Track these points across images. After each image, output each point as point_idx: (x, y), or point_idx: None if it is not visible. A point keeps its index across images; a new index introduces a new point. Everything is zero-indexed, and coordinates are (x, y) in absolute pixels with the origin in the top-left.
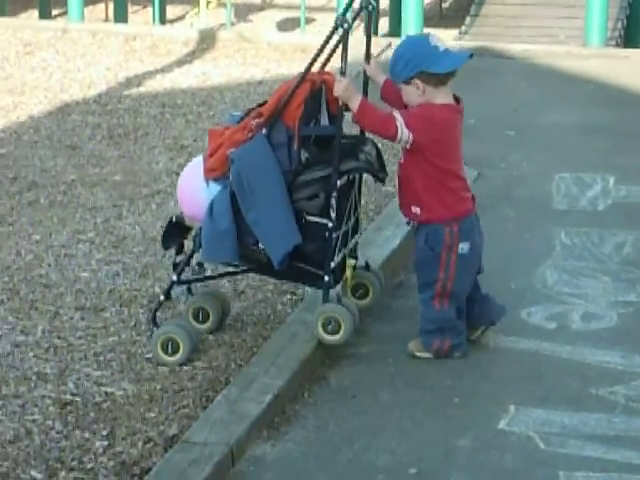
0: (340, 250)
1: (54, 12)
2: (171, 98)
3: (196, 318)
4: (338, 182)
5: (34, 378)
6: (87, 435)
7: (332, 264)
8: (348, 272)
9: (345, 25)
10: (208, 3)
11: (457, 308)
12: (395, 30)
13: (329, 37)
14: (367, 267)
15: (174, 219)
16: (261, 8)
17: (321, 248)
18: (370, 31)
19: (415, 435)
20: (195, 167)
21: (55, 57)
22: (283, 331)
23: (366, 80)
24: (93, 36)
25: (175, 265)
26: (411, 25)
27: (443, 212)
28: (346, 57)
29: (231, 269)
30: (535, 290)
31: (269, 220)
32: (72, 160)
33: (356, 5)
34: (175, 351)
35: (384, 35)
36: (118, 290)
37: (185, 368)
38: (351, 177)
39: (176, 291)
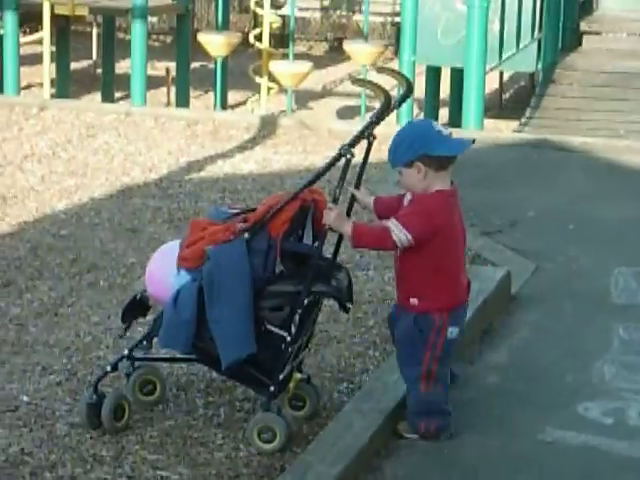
0: (291, 363)
1: (117, 95)
2: (231, 183)
3: (141, 390)
4: (305, 301)
5: (90, 460)
6: None
7: (281, 376)
8: (292, 385)
9: (348, 155)
10: (269, 89)
11: (444, 387)
12: (455, 120)
13: (331, 163)
14: (308, 380)
15: (138, 297)
16: (321, 95)
17: (273, 358)
18: (367, 159)
19: None
20: (169, 251)
21: (117, 140)
22: (339, 420)
23: (351, 203)
24: (155, 120)
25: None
26: (472, 116)
27: (439, 301)
28: (342, 185)
29: (182, 355)
30: (592, 385)
31: (229, 323)
32: (132, 243)
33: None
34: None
35: (443, 125)
36: (175, 374)
37: (241, 454)
38: (317, 297)
39: (123, 364)
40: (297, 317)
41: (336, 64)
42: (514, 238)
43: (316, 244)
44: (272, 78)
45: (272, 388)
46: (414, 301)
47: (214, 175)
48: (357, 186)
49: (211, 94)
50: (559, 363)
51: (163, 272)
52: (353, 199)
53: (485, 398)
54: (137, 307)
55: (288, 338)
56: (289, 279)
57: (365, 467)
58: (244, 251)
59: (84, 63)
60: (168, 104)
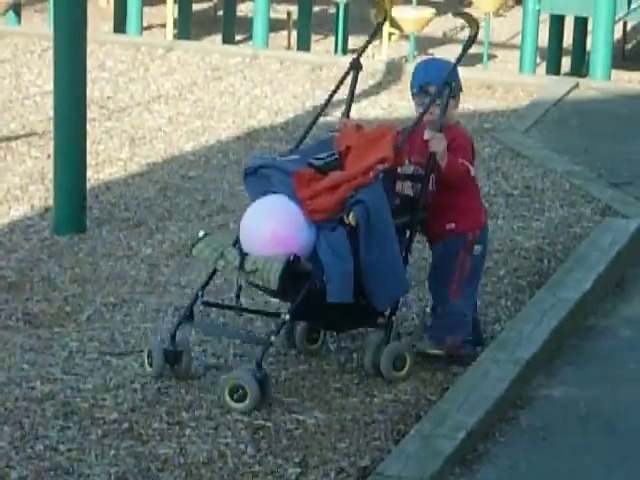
0: None
1: (237, 38)
2: None
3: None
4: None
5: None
6: (280, 461)
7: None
8: None
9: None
10: (391, 35)
11: (470, 302)
12: (576, 70)
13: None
14: None
15: (291, 258)
16: (442, 42)
17: None
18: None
19: None
20: (283, 209)
21: (243, 83)
22: (475, 369)
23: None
24: (280, 63)
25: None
26: (599, 66)
27: (472, 223)
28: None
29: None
30: None
31: (386, 264)
32: None
33: None
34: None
35: (566, 74)
36: None
37: (375, 400)
38: None
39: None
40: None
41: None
42: None
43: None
44: (394, 23)
45: (394, 317)
46: (451, 226)
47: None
48: (347, 115)
49: (331, 39)
50: None
51: (290, 229)
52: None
53: (620, 351)
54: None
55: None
56: (402, 211)
57: (501, 417)
58: (382, 190)
59: (204, 5)
60: (289, 47)
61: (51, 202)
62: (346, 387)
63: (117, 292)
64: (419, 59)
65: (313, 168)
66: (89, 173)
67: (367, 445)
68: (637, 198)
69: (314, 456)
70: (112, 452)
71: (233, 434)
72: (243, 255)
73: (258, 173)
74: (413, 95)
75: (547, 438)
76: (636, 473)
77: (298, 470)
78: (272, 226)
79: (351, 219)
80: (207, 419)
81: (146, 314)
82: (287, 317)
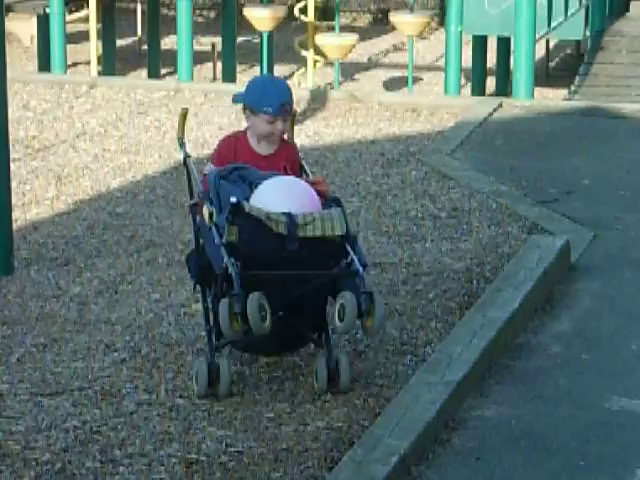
0: None
1: (162, 71)
2: None
3: None
4: None
5: (159, 437)
6: None
7: None
8: None
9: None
10: (315, 62)
11: None
12: (501, 90)
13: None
14: None
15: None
16: (367, 67)
17: None
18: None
19: None
20: (302, 180)
21: (168, 116)
22: (406, 392)
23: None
24: (205, 96)
25: None
26: (522, 85)
27: None
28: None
29: None
30: None
31: None
32: (188, 219)
33: None
34: None
35: (491, 94)
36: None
37: (308, 428)
38: None
39: None
40: None
41: (380, 35)
42: (570, 207)
43: None
44: (318, 51)
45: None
46: None
47: None
48: None
49: (257, 68)
50: (622, 331)
51: (314, 193)
52: None
53: (550, 368)
54: None
55: None
56: None
57: (434, 440)
58: None
59: (129, 40)
60: (214, 79)
61: None
62: (279, 416)
63: (47, 332)
64: (345, 85)
65: None
66: (16, 214)
67: (301, 474)
68: (563, 215)
69: None
70: None
71: (166, 469)
72: (287, 213)
73: (231, 176)
74: (270, 113)
75: (480, 458)
76: None
77: None
78: (308, 188)
79: None
80: (140, 455)
81: (77, 353)
82: (361, 268)
